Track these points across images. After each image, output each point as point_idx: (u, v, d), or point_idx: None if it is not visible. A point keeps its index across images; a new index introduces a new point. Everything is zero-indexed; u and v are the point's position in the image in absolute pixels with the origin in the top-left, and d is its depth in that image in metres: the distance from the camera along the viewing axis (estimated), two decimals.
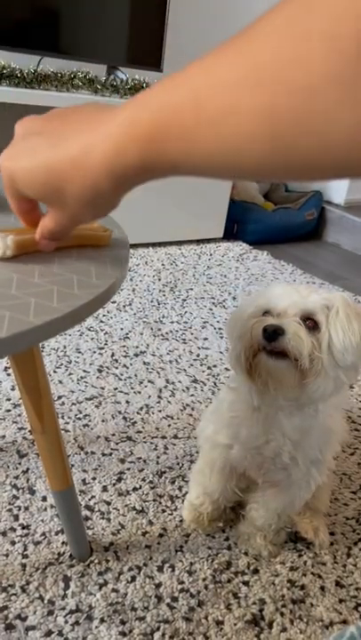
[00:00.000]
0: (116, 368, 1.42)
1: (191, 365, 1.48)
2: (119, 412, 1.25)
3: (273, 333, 0.72)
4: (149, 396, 1.32)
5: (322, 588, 0.88)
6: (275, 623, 0.82)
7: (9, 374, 1.32)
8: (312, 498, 0.94)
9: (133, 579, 0.86)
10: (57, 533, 0.91)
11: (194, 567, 0.89)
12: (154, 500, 1.01)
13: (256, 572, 0.90)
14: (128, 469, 1.08)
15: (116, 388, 1.34)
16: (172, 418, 1.25)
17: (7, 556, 0.87)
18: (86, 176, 0.39)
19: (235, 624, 0.81)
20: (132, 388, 1.34)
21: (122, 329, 1.63)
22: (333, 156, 0.26)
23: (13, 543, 0.89)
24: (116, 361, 1.46)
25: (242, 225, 2.58)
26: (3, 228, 0.54)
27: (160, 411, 1.27)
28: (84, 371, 1.39)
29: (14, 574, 0.84)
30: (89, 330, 1.59)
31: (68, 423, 1.18)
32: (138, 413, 1.25)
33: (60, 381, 1.33)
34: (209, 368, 1.48)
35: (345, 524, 1.02)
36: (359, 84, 0.24)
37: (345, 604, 0.87)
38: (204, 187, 2.38)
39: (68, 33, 2.04)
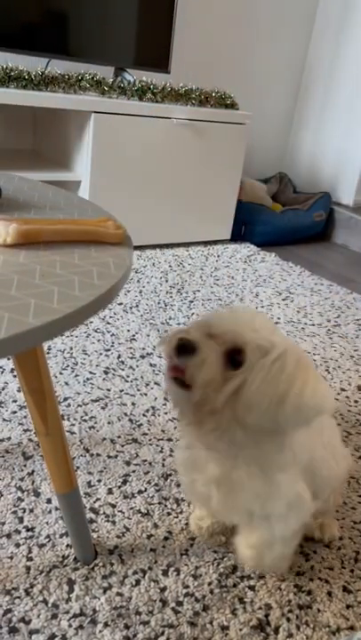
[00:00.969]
0: (123, 370, 1.42)
1: None
2: (125, 414, 1.24)
3: (182, 348, 0.64)
4: (155, 399, 1.31)
5: (329, 594, 0.87)
6: (281, 628, 0.81)
7: (15, 376, 1.32)
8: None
9: (138, 582, 0.85)
10: (61, 536, 0.91)
11: (199, 571, 0.88)
12: (159, 503, 1.01)
13: (262, 576, 0.89)
14: (134, 472, 1.07)
15: (122, 390, 1.33)
16: (179, 420, 1.24)
17: (11, 558, 0.86)
18: None
19: (240, 629, 0.80)
20: (138, 390, 1.34)
21: (128, 330, 1.62)
22: None
23: (18, 545, 0.88)
24: (123, 363, 1.45)
25: (250, 226, 2.57)
26: (8, 218, 0.54)
27: (166, 413, 1.27)
28: (91, 372, 1.38)
29: (18, 577, 0.83)
30: (95, 331, 1.58)
31: (73, 425, 1.18)
32: (144, 415, 1.25)
33: (67, 383, 1.33)
34: None
35: (353, 528, 1.00)
36: None
37: (352, 609, 0.85)
38: (212, 188, 2.38)
39: (76, 35, 2.05)
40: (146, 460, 1.11)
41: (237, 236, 2.59)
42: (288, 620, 0.82)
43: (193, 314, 1.79)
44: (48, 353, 1.45)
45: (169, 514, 0.99)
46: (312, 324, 1.84)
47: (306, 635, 0.81)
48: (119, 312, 1.73)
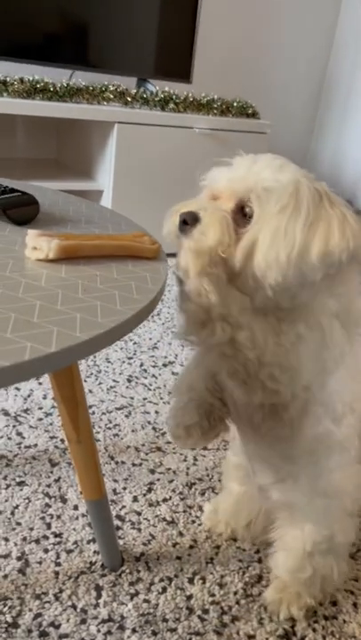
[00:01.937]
0: (145, 378, 1.43)
1: None
2: (148, 423, 1.26)
3: (184, 223, 0.57)
4: None
5: (354, 605, 0.87)
6: (307, 639, 0.81)
7: (40, 383, 1.34)
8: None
9: (164, 590, 0.86)
10: (88, 542, 0.92)
11: (225, 580, 0.89)
12: (184, 512, 1.02)
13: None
14: (158, 480, 1.08)
15: (145, 398, 1.34)
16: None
17: (40, 563, 0.88)
18: None
19: (266, 639, 0.81)
20: (161, 399, 1.35)
21: (150, 339, 1.64)
22: None
23: (46, 551, 0.90)
24: (145, 371, 1.47)
25: None
26: (49, 233, 0.56)
27: None
28: (114, 380, 1.40)
29: (47, 582, 0.85)
30: (119, 340, 1.60)
31: (98, 433, 1.20)
32: (167, 424, 1.26)
33: (90, 391, 1.34)
34: None
35: None
36: None
37: None
38: None
39: (99, 47, 2.08)
40: (170, 469, 1.12)
41: None
42: (314, 630, 0.83)
43: None
44: None
45: (193, 522, 1.00)
46: None
47: None
48: None
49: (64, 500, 1.00)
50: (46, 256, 0.54)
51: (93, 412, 1.26)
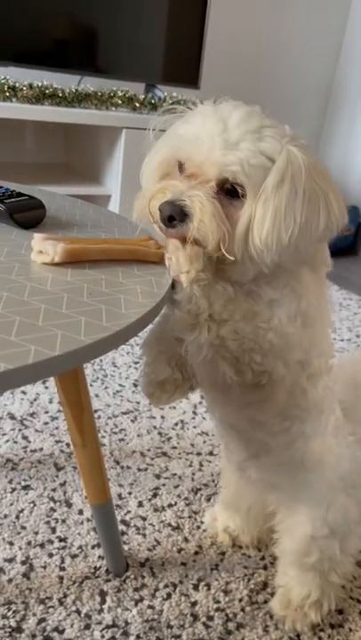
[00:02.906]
0: None
1: None
2: (154, 427, 1.25)
3: (170, 219, 0.54)
4: (184, 412, 1.32)
5: None
6: None
7: (47, 387, 1.34)
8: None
9: (169, 596, 0.85)
10: (93, 547, 0.92)
11: (230, 587, 0.88)
12: (189, 517, 1.01)
13: None
14: (163, 485, 1.08)
15: (151, 403, 1.34)
16: (208, 434, 1.25)
17: (45, 568, 0.87)
18: None
19: None
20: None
21: None
22: None
23: (51, 555, 0.90)
24: None
25: None
26: (55, 237, 0.57)
27: (195, 427, 1.27)
28: (120, 385, 1.40)
29: (52, 586, 0.85)
30: (124, 344, 1.60)
31: (104, 437, 1.19)
32: (173, 429, 1.25)
33: (97, 395, 1.34)
34: None
35: None
36: None
37: None
38: None
39: (107, 53, 2.09)
40: (175, 474, 1.11)
41: None
42: (320, 638, 0.82)
43: None
44: None
45: (199, 527, 0.99)
46: (341, 339, 1.83)
47: None
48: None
49: (69, 505, 1.00)
50: (52, 260, 0.54)
51: (99, 417, 1.26)
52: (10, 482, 1.04)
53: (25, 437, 1.16)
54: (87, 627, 0.79)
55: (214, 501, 1.05)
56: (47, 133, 2.36)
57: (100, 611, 0.82)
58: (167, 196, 0.55)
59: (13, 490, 1.02)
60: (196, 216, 0.53)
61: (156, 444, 1.20)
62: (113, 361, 1.50)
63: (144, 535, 0.96)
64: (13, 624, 0.78)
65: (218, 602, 0.86)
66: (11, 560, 0.88)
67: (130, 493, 1.05)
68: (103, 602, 0.83)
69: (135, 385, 1.40)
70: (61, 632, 0.78)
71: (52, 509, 0.99)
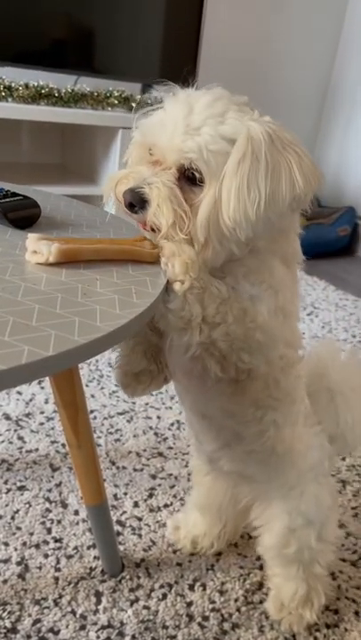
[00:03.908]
0: None
1: None
2: (150, 428, 1.25)
3: (131, 206, 0.56)
4: (180, 412, 1.32)
5: (356, 613, 0.87)
6: None
7: (42, 387, 1.34)
8: None
9: (165, 596, 0.85)
10: (89, 548, 0.92)
11: (225, 587, 0.88)
12: None
13: None
14: (159, 485, 1.08)
15: (147, 404, 1.34)
16: None
17: (40, 568, 0.87)
18: None
19: None
20: (163, 404, 1.35)
21: None
22: None
23: (46, 556, 0.89)
24: None
25: None
26: (50, 237, 0.56)
27: None
28: (116, 385, 1.39)
29: (47, 587, 0.84)
30: None
31: (100, 438, 1.19)
32: (169, 429, 1.25)
33: (93, 395, 1.34)
34: None
35: None
36: None
37: None
38: None
39: (103, 53, 2.09)
40: (171, 474, 1.11)
41: None
42: (315, 638, 0.82)
43: None
44: None
45: None
46: (337, 339, 1.84)
47: None
48: None
49: (65, 505, 1.00)
50: (46, 260, 0.54)
51: (95, 417, 1.26)
52: (5, 482, 1.03)
53: (20, 438, 1.16)
54: (82, 627, 0.79)
55: None
56: (43, 134, 2.35)
57: (96, 611, 0.82)
58: (130, 182, 0.56)
59: (9, 490, 1.02)
60: (154, 202, 0.54)
61: (152, 445, 1.20)
62: (109, 361, 1.50)
63: (140, 535, 0.96)
64: (8, 625, 0.78)
65: (213, 602, 0.86)
66: (6, 561, 0.88)
67: (125, 494, 1.05)
68: (99, 602, 0.83)
69: None
70: (57, 633, 0.78)
71: (48, 510, 0.98)
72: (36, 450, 1.13)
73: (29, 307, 0.46)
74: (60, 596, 0.83)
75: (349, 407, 0.78)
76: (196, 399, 0.71)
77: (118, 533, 0.96)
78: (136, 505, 1.02)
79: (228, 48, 2.62)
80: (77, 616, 0.81)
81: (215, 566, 0.92)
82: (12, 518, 0.96)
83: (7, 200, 0.67)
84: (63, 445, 1.15)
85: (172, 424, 1.27)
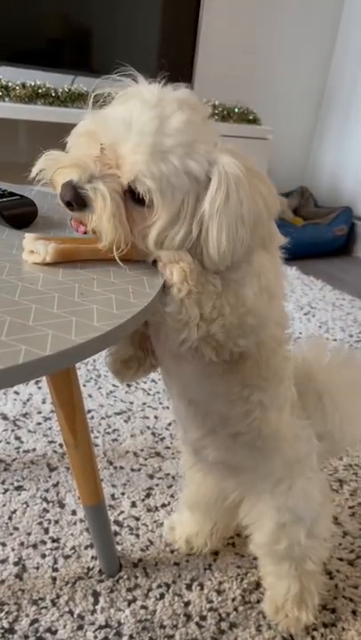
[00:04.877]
0: (145, 383, 1.43)
1: None
2: (148, 428, 1.25)
3: (68, 204, 0.53)
4: None
5: (353, 612, 0.87)
6: None
7: (40, 387, 1.34)
8: None
9: (162, 596, 0.85)
10: (86, 548, 0.92)
11: (223, 586, 0.88)
12: None
13: None
14: (157, 485, 1.08)
15: (144, 403, 1.34)
16: None
17: (37, 568, 0.87)
18: None
19: None
20: (160, 404, 1.35)
21: None
22: None
23: (44, 556, 0.89)
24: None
25: None
26: (46, 237, 0.56)
27: None
28: (113, 385, 1.40)
29: (44, 587, 0.84)
30: None
31: (97, 437, 1.19)
32: (166, 429, 1.25)
33: (90, 395, 1.34)
34: None
35: None
36: None
37: None
38: None
39: (100, 53, 2.09)
40: (169, 474, 1.11)
41: None
42: (313, 638, 0.82)
43: None
44: None
45: None
46: (334, 339, 1.84)
47: None
48: None
49: (62, 505, 1.00)
50: (43, 260, 0.54)
51: (92, 417, 1.26)
52: (2, 482, 1.03)
53: (18, 438, 1.16)
54: (80, 627, 0.79)
55: None
56: (40, 133, 2.35)
57: (93, 611, 0.82)
58: (72, 173, 0.53)
59: (6, 491, 1.01)
60: (97, 212, 0.52)
61: (150, 445, 1.20)
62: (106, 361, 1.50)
63: (137, 535, 0.96)
64: (6, 625, 0.78)
65: (211, 602, 0.86)
66: (3, 561, 0.88)
67: (123, 494, 1.05)
68: (96, 602, 0.83)
69: (129, 385, 1.40)
70: (54, 633, 0.78)
71: (45, 510, 0.98)
72: (34, 450, 1.13)
73: (26, 306, 0.46)
74: (58, 596, 0.83)
75: (336, 407, 0.78)
76: (184, 384, 0.71)
77: (116, 533, 0.96)
78: (133, 505, 1.02)
79: (225, 48, 2.62)
80: (75, 616, 0.80)
81: (213, 566, 0.92)
82: (10, 518, 0.95)
83: (4, 200, 0.67)
84: (60, 445, 1.15)
85: (170, 424, 1.27)
